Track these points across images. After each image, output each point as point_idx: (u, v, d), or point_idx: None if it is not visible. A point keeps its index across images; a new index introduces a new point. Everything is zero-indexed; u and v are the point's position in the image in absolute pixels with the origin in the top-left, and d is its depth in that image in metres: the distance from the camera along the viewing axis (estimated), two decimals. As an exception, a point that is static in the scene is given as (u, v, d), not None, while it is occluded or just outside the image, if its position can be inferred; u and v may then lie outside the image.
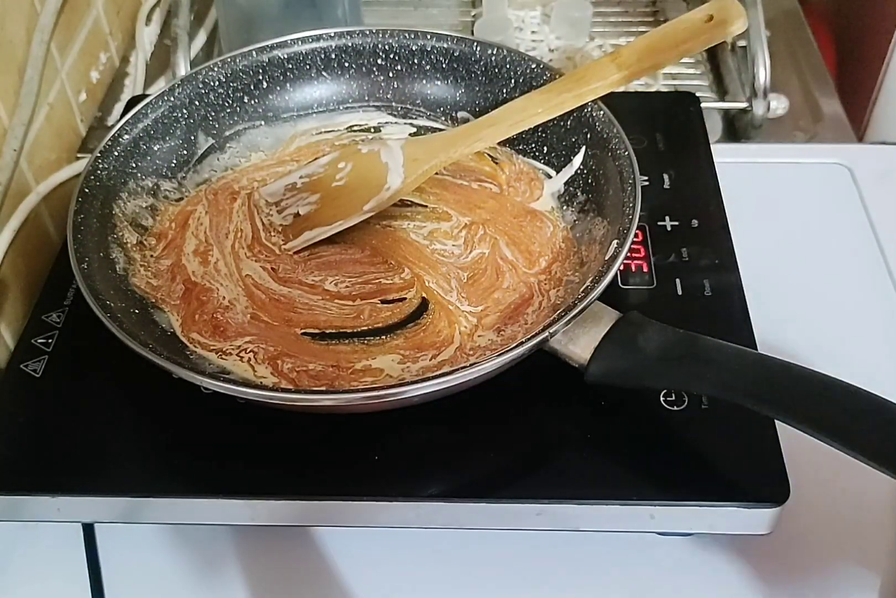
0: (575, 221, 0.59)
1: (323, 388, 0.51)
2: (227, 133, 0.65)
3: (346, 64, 0.66)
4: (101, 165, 0.58)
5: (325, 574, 0.53)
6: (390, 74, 0.67)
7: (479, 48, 0.64)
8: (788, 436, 0.47)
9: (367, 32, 0.65)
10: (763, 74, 0.73)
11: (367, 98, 0.67)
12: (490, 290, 0.56)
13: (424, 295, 0.56)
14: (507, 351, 0.46)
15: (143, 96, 0.66)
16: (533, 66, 0.62)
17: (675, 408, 0.51)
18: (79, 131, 0.75)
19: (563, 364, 0.49)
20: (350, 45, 0.66)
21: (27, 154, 0.65)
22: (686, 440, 0.49)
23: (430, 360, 0.53)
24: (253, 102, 0.65)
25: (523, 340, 0.46)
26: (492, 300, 0.55)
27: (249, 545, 0.54)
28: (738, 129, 0.78)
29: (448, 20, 0.89)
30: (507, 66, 0.63)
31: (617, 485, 0.48)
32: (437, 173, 0.61)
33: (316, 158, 0.63)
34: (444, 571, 0.53)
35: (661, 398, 0.51)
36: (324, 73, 0.66)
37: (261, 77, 0.65)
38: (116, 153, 0.59)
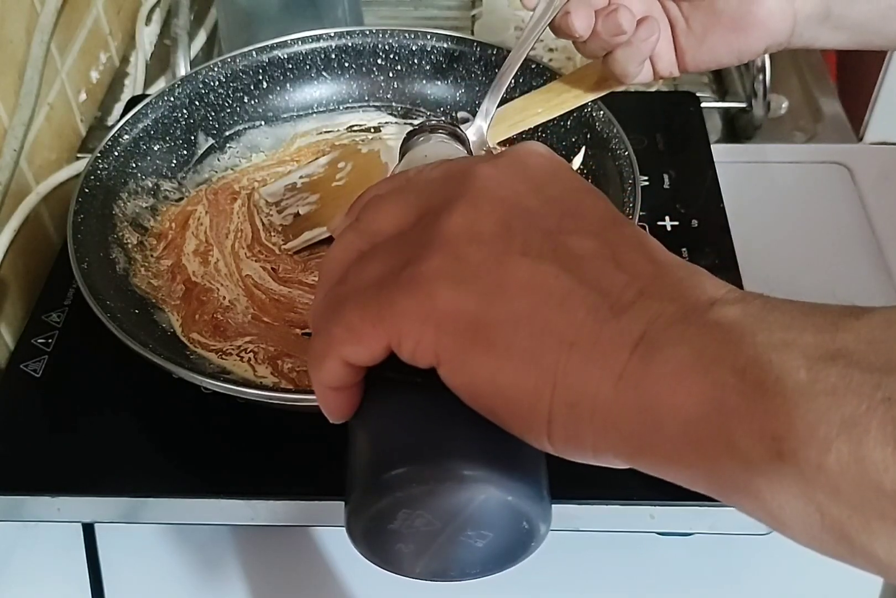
0: (575, 221, 0.59)
1: (323, 388, 0.51)
2: (227, 133, 0.65)
3: (346, 64, 0.66)
4: (101, 165, 0.58)
5: (325, 574, 0.53)
6: (390, 74, 0.67)
7: (479, 48, 0.64)
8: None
9: (367, 32, 0.65)
10: (763, 74, 0.73)
11: (367, 98, 0.67)
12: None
13: (424, 295, 0.56)
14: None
15: (143, 96, 0.66)
16: (533, 66, 0.62)
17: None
18: (79, 131, 0.75)
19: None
20: (350, 45, 0.66)
21: (27, 154, 0.65)
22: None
23: (430, 360, 0.53)
24: (253, 101, 0.66)
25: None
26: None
27: (249, 545, 0.54)
28: (738, 129, 0.78)
29: (448, 20, 0.89)
30: (507, 66, 0.63)
31: (617, 485, 0.48)
32: (437, 173, 0.61)
33: (316, 158, 0.63)
34: (444, 571, 0.53)
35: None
36: (324, 73, 0.66)
37: (261, 77, 0.65)
38: (116, 153, 0.59)
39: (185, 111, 0.63)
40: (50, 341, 0.55)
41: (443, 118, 0.43)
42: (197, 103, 0.63)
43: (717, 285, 0.27)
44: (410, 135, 0.44)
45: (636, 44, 0.51)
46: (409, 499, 0.27)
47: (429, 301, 0.27)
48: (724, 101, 0.81)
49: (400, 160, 0.45)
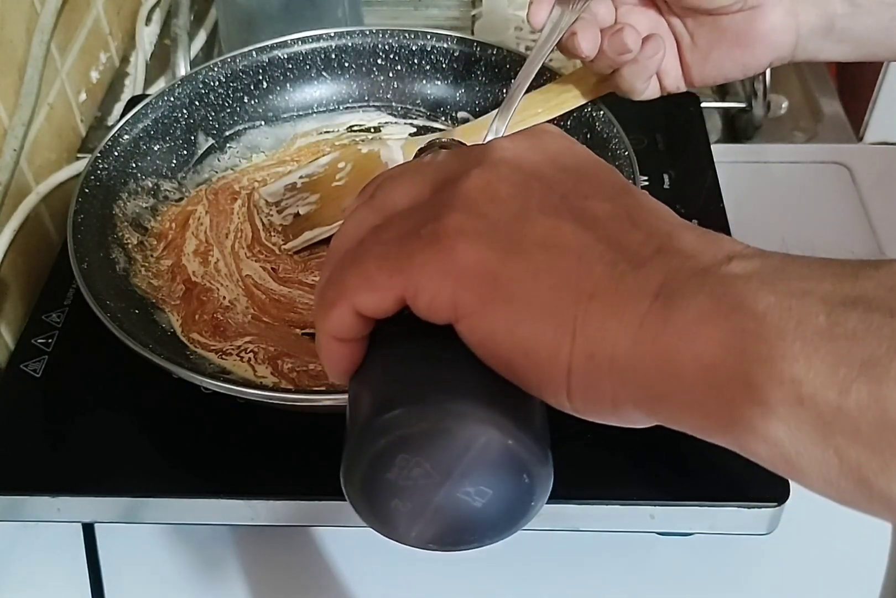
0: (575, 221, 0.59)
1: (323, 388, 0.51)
2: (227, 133, 0.65)
3: (346, 64, 0.66)
4: (101, 165, 0.58)
5: (325, 574, 0.53)
6: (390, 74, 0.67)
7: (479, 48, 0.64)
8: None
9: (367, 32, 0.65)
10: (763, 74, 0.73)
11: (367, 98, 0.67)
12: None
13: (424, 295, 0.56)
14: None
15: (143, 96, 0.66)
16: (533, 66, 0.62)
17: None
18: (79, 131, 0.75)
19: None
20: (350, 45, 0.66)
21: (27, 154, 0.65)
22: (686, 440, 0.49)
23: (430, 360, 0.52)
24: (253, 102, 0.66)
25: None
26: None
27: (249, 545, 0.54)
28: (738, 129, 0.78)
29: (448, 20, 0.89)
30: (507, 66, 0.63)
31: (617, 485, 0.48)
32: (436, 173, 0.61)
33: (316, 158, 0.63)
34: (444, 571, 0.53)
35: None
36: (324, 73, 0.66)
37: (261, 77, 0.65)
38: (116, 153, 0.59)
39: (185, 111, 0.63)
40: (50, 341, 0.55)
41: (452, 139, 0.44)
42: (197, 103, 0.63)
43: (734, 242, 0.27)
44: (419, 153, 0.44)
45: (642, 61, 0.51)
46: (408, 440, 0.26)
47: (449, 255, 0.28)
48: (724, 101, 0.81)
49: None
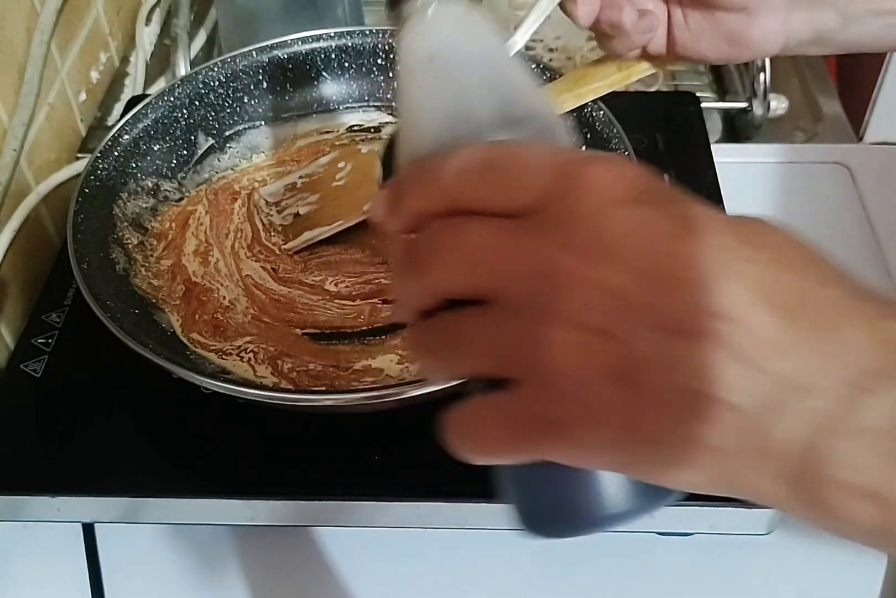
0: (575, 221, 0.59)
1: (323, 388, 0.51)
2: (227, 133, 0.65)
3: (346, 64, 0.66)
4: (101, 165, 0.58)
5: (325, 574, 0.53)
6: (390, 74, 0.67)
7: (479, 48, 0.64)
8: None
9: (367, 32, 0.65)
10: (763, 74, 0.73)
11: (367, 98, 0.67)
12: (490, 290, 0.56)
13: (424, 295, 0.56)
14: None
15: (143, 96, 0.66)
16: (533, 66, 0.62)
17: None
18: (79, 131, 0.75)
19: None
20: (350, 45, 0.66)
21: (27, 154, 0.65)
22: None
23: (430, 360, 0.52)
24: (253, 102, 0.66)
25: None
26: (492, 300, 0.55)
27: (249, 545, 0.54)
28: (738, 129, 0.78)
29: (448, 20, 0.89)
30: (507, 66, 0.63)
31: (617, 485, 0.48)
32: (437, 173, 0.61)
33: (316, 158, 0.63)
34: (444, 571, 0.53)
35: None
36: (324, 73, 0.66)
37: (261, 77, 0.65)
38: (116, 153, 0.59)
39: (185, 111, 0.63)
40: (50, 341, 0.55)
41: None
42: (197, 103, 0.63)
43: (859, 355, 0.26)
44: None
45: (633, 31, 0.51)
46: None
47: (575, 445, 0.27)
48: (724, 101, 0.81)
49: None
